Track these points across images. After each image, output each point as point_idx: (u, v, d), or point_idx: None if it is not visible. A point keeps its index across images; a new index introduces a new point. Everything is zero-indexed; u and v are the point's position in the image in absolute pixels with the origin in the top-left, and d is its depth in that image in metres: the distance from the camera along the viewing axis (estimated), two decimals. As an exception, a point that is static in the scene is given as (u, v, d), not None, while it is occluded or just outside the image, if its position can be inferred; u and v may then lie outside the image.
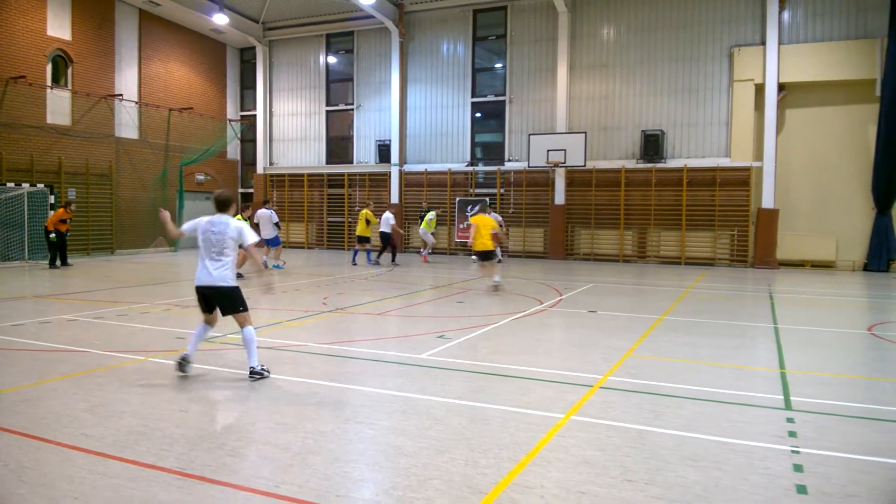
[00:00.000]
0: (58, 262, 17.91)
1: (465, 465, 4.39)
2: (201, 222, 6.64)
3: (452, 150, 25.31)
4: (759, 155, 20.75)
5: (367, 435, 5.05)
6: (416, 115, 25.93)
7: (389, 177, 26.10)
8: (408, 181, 26.00)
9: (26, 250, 19.48)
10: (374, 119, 26.79)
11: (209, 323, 6.82)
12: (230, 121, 29.18)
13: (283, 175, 28.51)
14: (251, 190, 29.43)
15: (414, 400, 5.93)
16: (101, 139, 23.16)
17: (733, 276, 18.09)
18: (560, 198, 23.09)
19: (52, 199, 20.10)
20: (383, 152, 26.26)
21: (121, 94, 23.87)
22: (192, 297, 11.19)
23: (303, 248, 27.73)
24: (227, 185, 29.34)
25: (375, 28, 26.19)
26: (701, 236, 21.67)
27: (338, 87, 27.94)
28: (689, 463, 4.49)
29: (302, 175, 28.07)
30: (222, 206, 6.68)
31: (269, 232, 17.66)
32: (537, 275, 17.67)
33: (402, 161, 25.96)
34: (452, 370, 7.08)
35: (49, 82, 21.54)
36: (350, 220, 27.04)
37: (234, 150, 29.78)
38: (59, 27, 21.80)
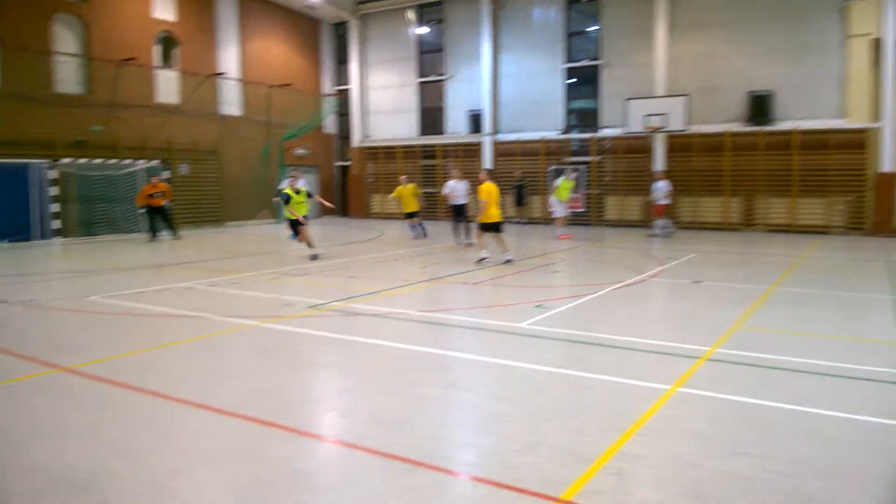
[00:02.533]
0: (160, 235, 18.81)
1: (569, 433, 4.40)
2: None
3: (546, 117, 24.89)
4: (876, 115, 19.24)
5: (469, 400, 5.14)
6: (508, 83, 25.63)
7: (482, 147, 26.01)
8: (500, 150, 25.83)
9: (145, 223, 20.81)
10: (466, 89, 26.68)
11: None
12: (326, 95, 29.85)
13: (378, 148, 28.97)
14: (349, 163, 30.09)
15: (514, 368, 5.97)
16: (207, 116, 24.26)
17: (849, 245, 17.00)
18: (660, 164, 22.32)
19: (165, 174, 21.27)
20: (475, 122, 26.17)
21: (224, 73, 24.87)
22: (296, 266, 11.62)
23: (399, 219, 28.19)
24: (326, 158, 30.17)
25: (466, -4, 25.97)
26: (813, 203, 20.42)
27: (430, 58, 27.96)
28: (803, 438, 4.32)
29: (395, 147, 28.43)
30: None
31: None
32: (636, 244, 17.23)
33: (495, 130, 25.79)
34: (552, 339, 7.07)
35: (157, 63, 22.70)
36: (439, 191, 27.14)
37: (330, 125, 30.48)
38: (164, 9, 22.87)
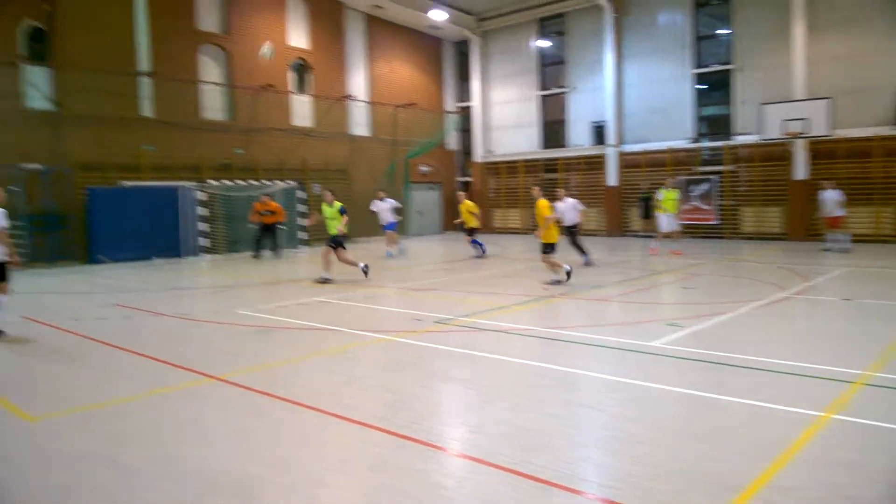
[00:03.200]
0: (263, 252, 19.64)
1: (711, 460, 4.20)
2: None
3: (673, 126, 24.03)
4: None
5: (601, 420, 5.03)
6: (632, 92, 25.02)
7: (605, 158, 25.51)
8: (625, 162, 25.21)
9: (284, 239, 22.05)
10: (588, 100, 26.31)
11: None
12: (448, 113, 30.44)
13: (499, 163, 29.13)
14: (470, 178, 30.46)
15: (646, 388, 5.78)
16: (338, 137, 25.44)
17: None
18: (801, 172, 20.91)
19: (301, 193, 22.43)
20: (598, 133, 25.74)
21: (353, 95, 26.00)
22: (422, 281, 11.83)
23: (520, 233, 28.18)
24: (448, 175, 30.71)
25: (587, 7, 25.65)
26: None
27: (550, 71, 27.85)
28: None
29: (517, 161, 28.47)
30: None
31: (386, 217, 19.02)
32: (776, 258, 16.22)
33: (619, 141, 25.22)
34: (687, 360, 6.78)
35: (292, 89, 24.11)
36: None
37: (453, 141, 31.03)
38: (298, 38, 24.29)
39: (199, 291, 13.21)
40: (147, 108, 20.14)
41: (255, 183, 21.62)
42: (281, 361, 7.10)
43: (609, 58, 25.01)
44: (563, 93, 27.18)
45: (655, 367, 6.54)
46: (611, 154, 25.29)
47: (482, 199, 29.31)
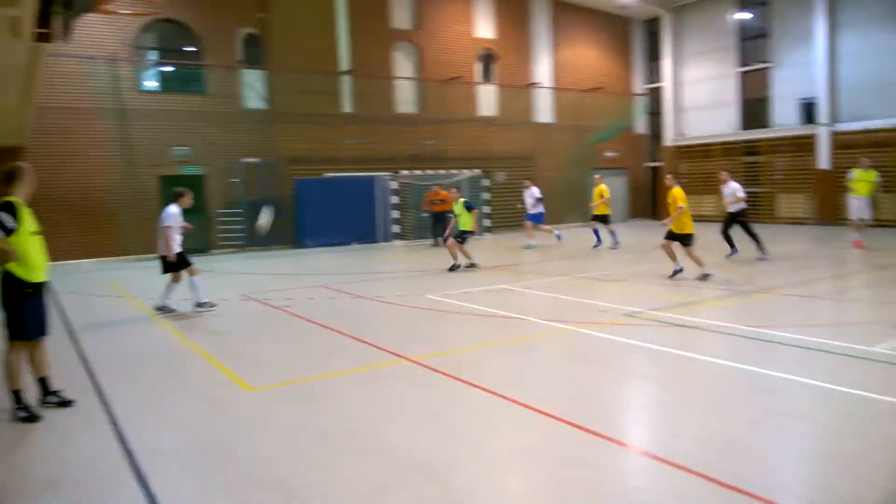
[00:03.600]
0: (439, 240, 19.79)
1: (953, 486, 3.68)
2: None
3: (900, 101, 21.18)
4: None
5: (809, 432, 4.60)
6: (848, 64, 22.35)
7: (815, 139, 23.11)
8: (840, 142, 22.65)
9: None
10: (796, 75, 23.92)
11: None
12: (636, 95, 29.30)
13: (693, 146, 27.52)
14: (660, 163, 29.13)
15: (867, 400, 5.17)
16: (522, 125, 25.51)
17: None
18: None
19: (485, 182, 22.86)
20: (808, 112, 23.36)
21: (538, 83, 25.90)
22: (608, 271, 11.56)
23: (716, 221, 26.43)
24: (635, 160, 29.60)
25: (797, -27, 23.33)
26: None
27: (751, 45, 25.69)
28: None
29: (713, 144, 26.71)
30: None
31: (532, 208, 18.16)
32: None
33: (833, 119, 22.71)
34: (919, 367, 5.98)
35: (478, 79, 24.53)
36: (769, 189, 24.81)
37: (640, 125, 29.85)
38: (485, 29, 24.64)
39: (392, 276, 13.95)
40: (347, 105, 21.58)
41: (443, 172, 22.33)
42: (469, 347, 7.30)
43: (821, 28, 22.56)
44: (765, 68, 24.99)
45: (877, 375, 5.84)
46: (822, 134, 22.86)
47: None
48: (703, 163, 27.17)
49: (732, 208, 14.06)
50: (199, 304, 9.71)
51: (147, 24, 17.55)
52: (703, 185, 27.04)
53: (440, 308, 9.63)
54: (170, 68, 19.52)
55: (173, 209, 9.66)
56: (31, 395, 5.53)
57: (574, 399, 5.43)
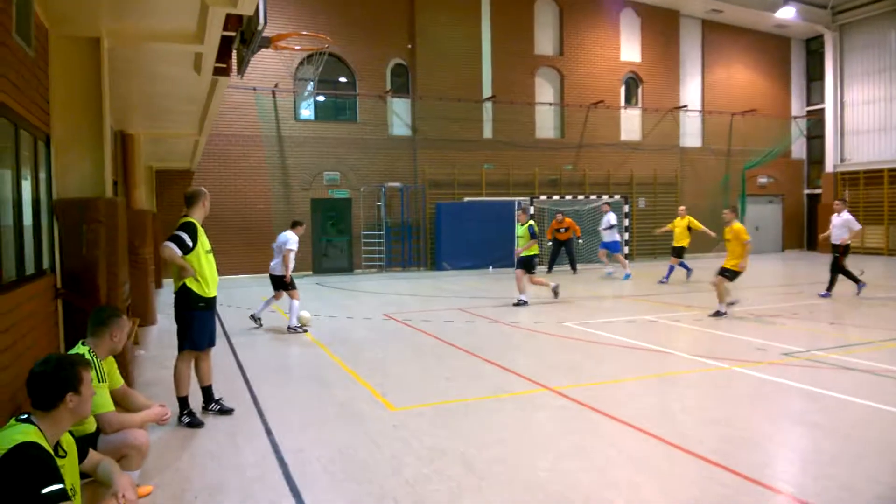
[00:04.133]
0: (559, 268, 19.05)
1: None
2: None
3: None
4: None
5: None
6: None
7: None
8: None
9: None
10: None
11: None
12: (794, 118, 27.43)
13: (857, 172, 25.28)
14: (818, 191, 27.01)
15: None
16: (667, 150, 24.62)
17: None
18: None
19: (626, 208, 22.23)
20: None
21: (685, 106, 24.94)
22: (760, 306, 10.81)
23: (882, 254, 24.09)
24: (792, 186, 27.64)
25: None
26: None
27: (928, 63, 23.34)
28: None
29: (881, 170, 24.39)
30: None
31: (605, 236, 17.47)
32: None
33: None
34: None
35: (622, 103, 24.01)
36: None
37: (798, 149, 27.88)
38: (630, 52, 24.12)
39: (530, 302, 13.82)
40: (488, 130, 21.88)
41: (582, 198, 21.97)
42: (612, 380, 7.04)
43: None
44: (947, 88, 22.57)
45: None
46: None
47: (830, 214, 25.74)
48: (869, 190, 24.89)
49: (835, 239, 12.93)
50: (292, 328, 10.17)
51: (307, 58, 18.75)
52: (868, 215, 24.78)
53: (579, 337, 9.40)
54: (323, 98, 20.72)
55: (293, 235, 10.31)
56: (196, 402, 5.96)
57: (729, 441, 5.04)
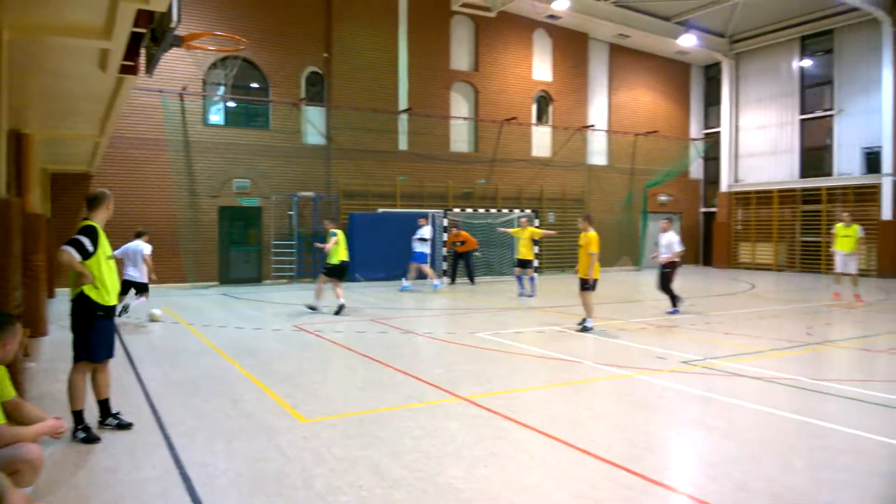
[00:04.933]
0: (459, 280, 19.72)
1: None
2: None
3: (973, 152, 20.45)
4: None
5: (885, 491, 4.33)
6: (916, 114, 21.75)
7: (880, 189, 22.42)
8: (906, 193, 21.93)
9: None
10: (860, 124, 23.39)
11: None
12: (693, 140, 29.00)
13: (750, 192, 26.99)
14: (714, 209, 28.63)
15: (954, 462, 4.87)
16: (575, 167, 25.47)
17: None
18: None
19: (536, 222, 22.77)
20: (872, 161, 22.73)
21: (593, 125, 25.90)
22: (663, 317, 11.27)
23: (771, 270, 25.77)
24: (690, 205, 29.16)
25: (860, 21, 22.94)
26: None
27: (814, 93, 25.28)
28: None
29: (771, 191, 26.15)
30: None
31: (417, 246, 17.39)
32: None
33: (899, 170, 22.04)
34: None
35: (534, 120, 24.67)
36: (828, 239, 24.07)
37: (696, 170, 29.48)
38: (542, 71, 24.84)
39: (442, 313, 13.90)
40: (403, 142, 21.93)
41: (494, 211, 22.36)
42: (523, 388, 7.17)
43: (888, 75, 22.08)
44: (828, 116, 24.52)
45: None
46: (887, 184, 22.18)
47: (727, 232, 27.35)
48: (758, 210, 26.63)
49: (662, 259, 13.40)
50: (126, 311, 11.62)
51: (221, 60, 18.26)
52: (759, 233, 26.44)
53: (491, 347, 9.53)
54: (235, 103, 20.18)
55: (147, 244, 11.72)
56: (91, 416, 5.64)
57: (634, 446, 5.24)
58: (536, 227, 17.95)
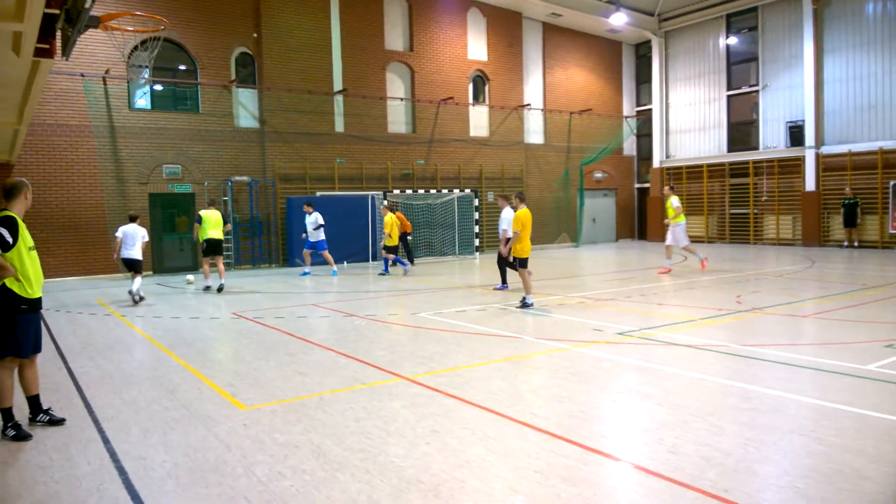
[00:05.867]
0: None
1: (957, 504, 3.67)
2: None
3: (885, 125, 21.55)
4: None
5: (816, 450, 4.58)
6: (835, 88, 22.77)
7: (803, 161, 23.43)
8: (826, 165, 22.99)
9: (457, 246, 22.68)
10: (784, 98, 24.33)
11: None
12: (626, 117, 29.60)
13: (681, 167, 27.80)
14: (647, 185, 29.39)
15: (867, 417, 5.19)
16: (513, 146, 25.68)
17: None
18: None
19: (476, 202, 22.93)
20: (795, 135, 23.71)
21: (528, 104, 26.12)
22: (600, 291, 11.57)
23: (703, 242, 26.67)
24: (624, 181, 29.83)
25: (783, -1, 23.81)
26: None
27: (740, 69, 26.12)
28: None
29: (701, 166, 27.00)
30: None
31: (313, 236, 17.07)
32: None
33: (819, 143, 23.05)
34: (914, 386, 6.01)
35: (470, 100, 24.70)
36: (756, 210, 25.08)
37: (629, 147, 30.14)
38: (477, 51, 24.85)
39: (384, 294, 13.89)
40: (339, 124, 21.63)
41: (434, 192, 22.39)
42: (465, 365, 7.25)
43: (808, 52, 22.99)
44: (753, 92, 25.40)
45: (877, 394, 5.86)
46: (809, 156, 23.18)
47: (660, 207, 28.12)
48: (689, 184, 27.46)
49: (500, 233, 13.35)
50: (135, 295, 12.79)
51: (141, 42, 17.59)
52: (690, 206, 27.28)
53: (433, 326, 9.59)
54: (161, 87, 19.48)
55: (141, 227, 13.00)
56: (21, 413, 5.44)
57: (572, 416, 5.39)
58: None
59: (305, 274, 17.53)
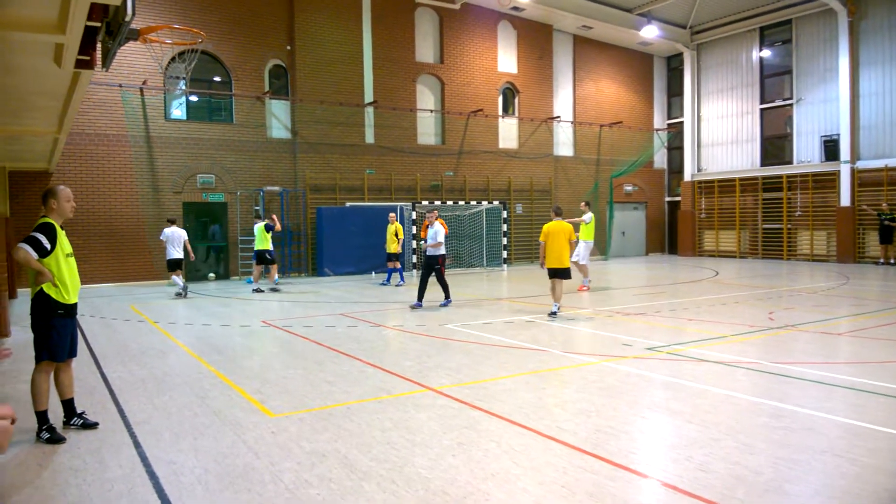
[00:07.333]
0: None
1: None
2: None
3: (924, 139, 21.09)
4: None
5: (849, 471, 4.48)
6: (871, 102, 22.36)
7: (838, 176, 23.00)
8: (862, 180, 22.55)
9: (484, 258, 22.67)
10: (818, 112, 23.95)
11: None
12: (657, 130, 29.39)
13: (713, 181, 27.48)
14: (678, 198, 29.10)
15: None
16: (542, 158, 25.65)
17: None
18: None
19: (504, 213, 22.91)
20: (830, 149, 23.30)
21: (558, 116, 26.09)
22: (630, 305, 11.47)
23: (734, 257, 26.29)
24: (654, 194, 29.58)
25: (818, 12, 23.47)
26: None
27: (773, 82, 25.80)
28: None
29: (733, 179, 26.65)
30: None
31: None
32: None
33: (855, 157, 22.63)
34: (954, 408, 5.84)
35: (500, 112, 24.76)
36: (789, 226, 24.67)
37: (660, 159, 29.90)
38: (507, 63, 24.93)
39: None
40: (370, 135, 21.84)
41: (462, 203, 22.44)
42: (492, 378, 7.24)
43: (844, 66, 22.62)
44: (787, 105, 25.05)
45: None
46: (844, 171, 22.75)
47: (692, 220, 27.80)
48: (721, 198, 27.12)
49: (430, 252, 13.05)
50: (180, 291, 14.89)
51: (178, 55, 17.97)
52: (722, 221, 26.92)
53: (461, 338, 9.59)
54: (196, 98, 19.87)
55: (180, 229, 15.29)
56: (56, 417, 5.56)
57: (600, 431, 5.35)
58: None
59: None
